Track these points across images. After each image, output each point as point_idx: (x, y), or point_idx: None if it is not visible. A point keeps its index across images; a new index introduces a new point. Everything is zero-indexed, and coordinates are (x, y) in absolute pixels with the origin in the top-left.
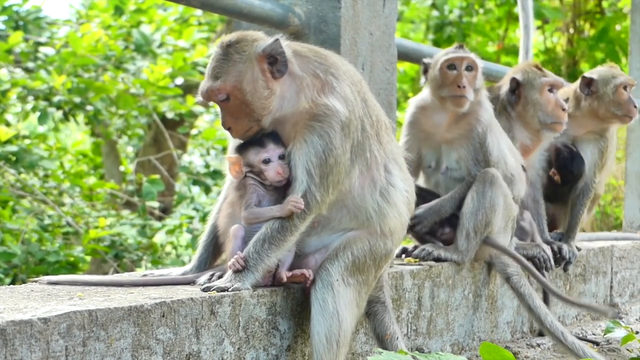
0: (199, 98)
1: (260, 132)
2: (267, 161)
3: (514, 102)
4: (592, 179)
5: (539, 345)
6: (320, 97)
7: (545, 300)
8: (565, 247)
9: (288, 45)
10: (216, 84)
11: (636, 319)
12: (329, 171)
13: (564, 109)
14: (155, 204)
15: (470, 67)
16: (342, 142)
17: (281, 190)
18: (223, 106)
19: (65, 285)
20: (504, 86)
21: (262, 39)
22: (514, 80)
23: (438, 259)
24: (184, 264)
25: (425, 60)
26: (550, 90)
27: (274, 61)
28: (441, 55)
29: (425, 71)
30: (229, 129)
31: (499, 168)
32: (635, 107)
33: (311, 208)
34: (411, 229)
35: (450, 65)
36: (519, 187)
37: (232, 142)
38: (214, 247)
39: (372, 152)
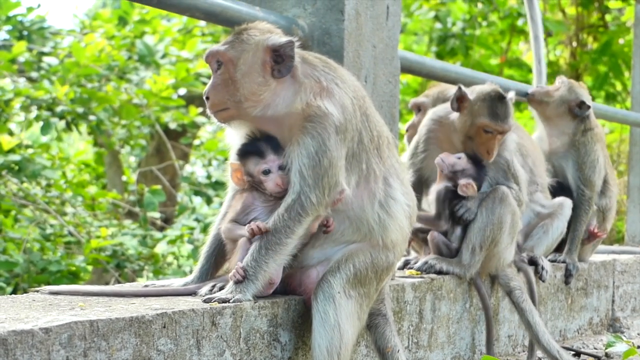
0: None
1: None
2: (266, 172)
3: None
4: (581, 193)
5: (540, 359)
6: (315, 100)
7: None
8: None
9: (298, 52)
10: (218, 48)
11: (638, 333)
12: (323, 173)
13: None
14: (157, 215)
15: (506, 132)
16: (337, 146)
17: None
18: (214, 74)
19: (66, 295)
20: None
21: (276, 33)
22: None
23: (440, 272)
24: (185, 274)
25: (463, 89)
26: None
27: (280, 60)
28: (484, 110)
29: (459, 99)
30: (207, 98)
31: (521, 185)
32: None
33: (306, 210)
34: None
35: (487, 129)
36: (524, 194)
37: (234, 149)
38: (216, 258)
39: (370, 165)
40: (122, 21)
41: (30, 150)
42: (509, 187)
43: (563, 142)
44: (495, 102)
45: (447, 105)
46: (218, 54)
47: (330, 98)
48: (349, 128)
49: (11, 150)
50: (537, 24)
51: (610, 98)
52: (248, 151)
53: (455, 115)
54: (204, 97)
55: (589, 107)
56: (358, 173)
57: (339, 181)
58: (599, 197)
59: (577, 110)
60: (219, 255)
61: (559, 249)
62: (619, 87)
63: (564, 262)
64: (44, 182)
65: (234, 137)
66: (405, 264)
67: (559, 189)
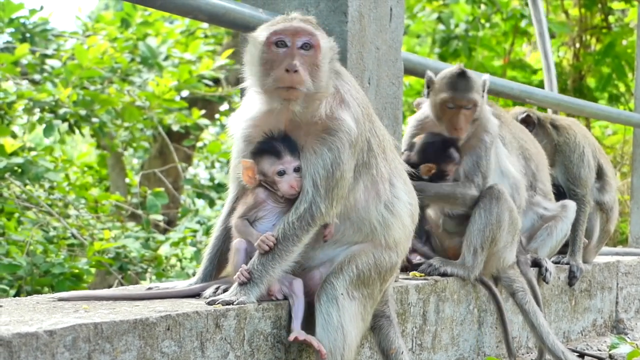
0: (275, 36)
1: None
2: (281, 173)
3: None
4: (573, 193)
5: None
6: (336, 111)
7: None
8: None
9: None
10: (314, 30)
11: None
12: (334, 184)
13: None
14: (160, 217)
15: (469, 107)
16: (349, 159)
17: (293, 202)
18: (296, 50)
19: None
20: None
21: None
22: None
23: (444, 274)
24: (188, 276)
25: (429, 74)
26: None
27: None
28: (444, 86)
29: (429, 85)
30: (295, 71)
31: (487, 177)
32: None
33: (315, 220)
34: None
35: (448, 105)
36: (522, 196)
37: (241, 148)
38: (219, 260)
39: (379, 169)
40: (125, 23)
41: (33, 153)
42: (473, 176)
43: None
44: (455, 77)
45: (423, 109)
46: (313, 37)
47: (347, 110)
48: (359, 140)
49: (14, 153)
50: (542, 23)
51: (614, 99)
52: (264, 150)
53: (427, 106)
54: (293, 70)
55: (530, 116)
56: (369, 179)
57: (345, 194)
58: (599, 193)
59: (530, 127)
60: (221, 256)
61: (563, 251)
62: (622, 88)
63: (567, 263)
64: (47, 185)
65: (237, 126)
66: (408, 262)
67: (558, 194)
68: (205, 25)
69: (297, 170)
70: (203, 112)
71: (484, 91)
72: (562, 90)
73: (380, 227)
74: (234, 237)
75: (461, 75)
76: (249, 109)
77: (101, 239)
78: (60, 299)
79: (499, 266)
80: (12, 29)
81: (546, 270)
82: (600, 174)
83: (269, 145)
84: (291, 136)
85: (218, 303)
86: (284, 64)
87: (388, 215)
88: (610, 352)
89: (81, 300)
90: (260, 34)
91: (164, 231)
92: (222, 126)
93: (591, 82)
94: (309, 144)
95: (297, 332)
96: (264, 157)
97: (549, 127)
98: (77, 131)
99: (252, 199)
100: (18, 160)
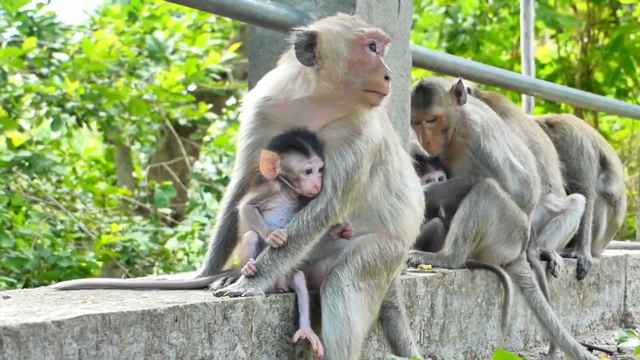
0: (371, 39)
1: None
2: (309, 172)
3: None
4: (575, 187)
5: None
6: (370, 118)
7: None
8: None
9: None
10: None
11: None
12: (351, 187)
13: None
14: (167, 211)
15: (430, 120)
16: (368, 163)
17: (303, 199)
18: (384, 58)
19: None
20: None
21: None
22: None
23: (417, 266)
24: (195, 270)
25: None
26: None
27: None
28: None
29: None
30: (390, 79)
31: (496, 170)
32: None
33: (329, 220)
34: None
35: (414, 121)
36: (534, 192)
37: (255, 125)
38: (225, 249)
39: (393, 164)
40: (132, 17)
41: (40, 147)
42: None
43: None
44: (414, 93)
45: None
46: (388, 44)
47: (377, 114)
48: (379, 143)
49: (21, 147)
50: (530, 23)
51: (622, 94)
52: (292, 145)
53: None
54: (390, 78)
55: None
56: (384, 174)
57: (359, 196)
58: (604, 184)
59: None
60: (227, 245)
61: (571, 244)
62: (630, 83)
63: (575, 257)
64: (54, 179)
65: (253, 103)
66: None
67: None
68: (212, 19)
69: (321, 170)
70: (210, 106)
71: (459, 96)
72: (570, 84)
73: (391, 217)
74: (241, 222)
75: (419, 90)
76: (278, 89)
77: (108, 233)
78: (64, 288)
79: (494, 262)
80: (19, 23)
81: (555, 263)
82: (604, 164)
83: (296, 141)
84: (317, 134)
85: (226, 295)
86: (380, 70)
87: (399, 204)
88: (619, 345)
89: (85, 289)
90: (350, 31)
91: (171, 225)
92: (229, 120)
93: (599, 76)
94: (335, 144)
95: (302, 330)
96: (291, 153)
97: (544, 127)
98: (84, 125)
99: (266, 188)
100: (25, 153)
